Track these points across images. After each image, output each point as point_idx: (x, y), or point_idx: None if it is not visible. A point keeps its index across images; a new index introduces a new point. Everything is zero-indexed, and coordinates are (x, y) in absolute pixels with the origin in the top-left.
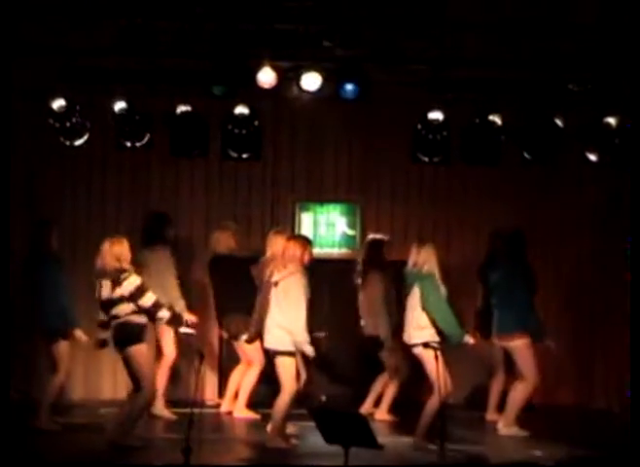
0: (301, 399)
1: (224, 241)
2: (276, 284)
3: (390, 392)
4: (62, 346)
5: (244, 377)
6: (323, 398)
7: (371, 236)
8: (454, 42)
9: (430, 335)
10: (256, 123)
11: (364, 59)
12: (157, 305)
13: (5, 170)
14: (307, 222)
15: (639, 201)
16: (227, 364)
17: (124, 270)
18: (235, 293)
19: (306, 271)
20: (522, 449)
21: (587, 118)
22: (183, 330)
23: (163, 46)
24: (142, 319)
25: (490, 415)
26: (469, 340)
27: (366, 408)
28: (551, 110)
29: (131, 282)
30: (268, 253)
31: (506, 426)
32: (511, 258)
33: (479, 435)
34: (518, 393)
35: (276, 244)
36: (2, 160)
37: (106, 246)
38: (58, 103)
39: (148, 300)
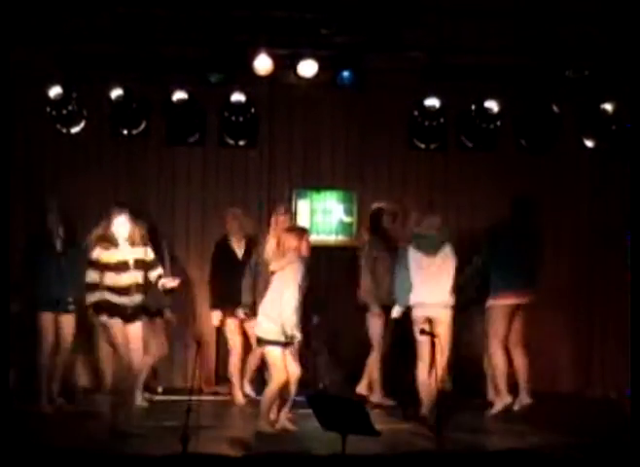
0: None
1: (236, 225)
2: (273, 273)
3: (372, 368)
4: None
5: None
6: (321, 385)
7: (375, 205)
8: (451, 29)
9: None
10: (252, 110)
11: (360, 46)
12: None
13: (5, 158)
14: (304, 209)
15: (638, 199)
16: (224, 351)
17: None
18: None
19: (304, 261)
20: (519, 436)
21: (584, 104)
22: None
23: (160, 33)
24: None
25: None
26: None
27: (360, 390)
28: (547, 97)
29: None
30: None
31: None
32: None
33: (476, 422)
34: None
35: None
36: (3, 148)
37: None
38: (55, 91)
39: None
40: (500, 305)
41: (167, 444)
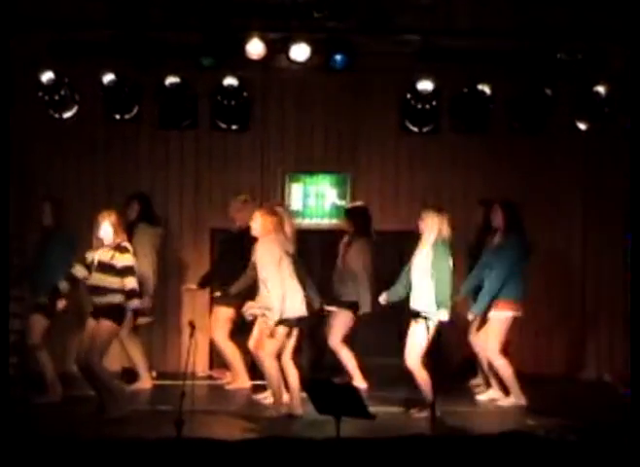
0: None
1: (243, 215)
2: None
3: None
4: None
5: None
6: (312, 369)
7: (352, 204)
8: (444, 12)
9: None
10: (245, 94)
11: (353, 30)
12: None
13: (4, 147)
14: (297, 193)
15: (638, 198)
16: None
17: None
18: None
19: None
20: (514, 418)
21: (577, 87)
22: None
23: (152, 18)
24: None
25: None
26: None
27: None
28: (540, 79)
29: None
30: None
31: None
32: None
33: (470, 405)
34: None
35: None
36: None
37: None
38: (47, 76)
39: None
40: (509, 317)
41: (162, 428)
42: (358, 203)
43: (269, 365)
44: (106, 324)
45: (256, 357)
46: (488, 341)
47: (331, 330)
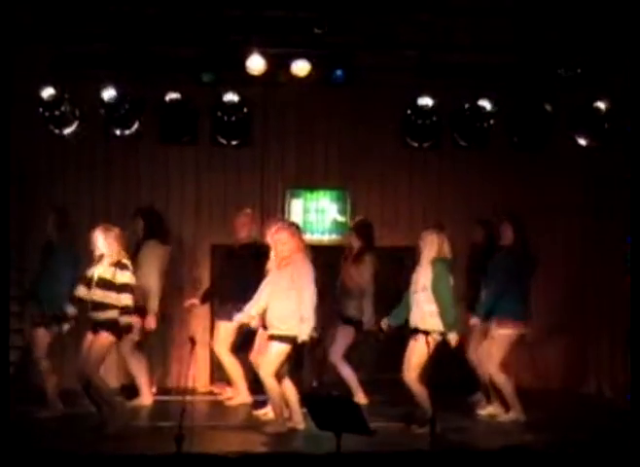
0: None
1: (246, 229)
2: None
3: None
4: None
5: None
6: (314, 384)
7: (359, 218)
8: (444, 27)
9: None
10: (245, 109)
11: (353, 45)
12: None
13: (4, 163)
14: (298, 208)
15: (638, 201)
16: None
17: None
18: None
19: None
20: (513, 433)
21: (577, 102)
22: None
23: (153, 33)
24: None
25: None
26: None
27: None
28: (540, 95)
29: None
30: None
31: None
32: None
33: (469, 419)
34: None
35: None
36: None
37: None
38: (47, 92)
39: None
40: (514, 334)
41: (162, 444)
42: (362, 218)
43: (269, 383)
44: (103, 336)
45: (257, 370)
46: (490, 357)
47: (333, 345)
